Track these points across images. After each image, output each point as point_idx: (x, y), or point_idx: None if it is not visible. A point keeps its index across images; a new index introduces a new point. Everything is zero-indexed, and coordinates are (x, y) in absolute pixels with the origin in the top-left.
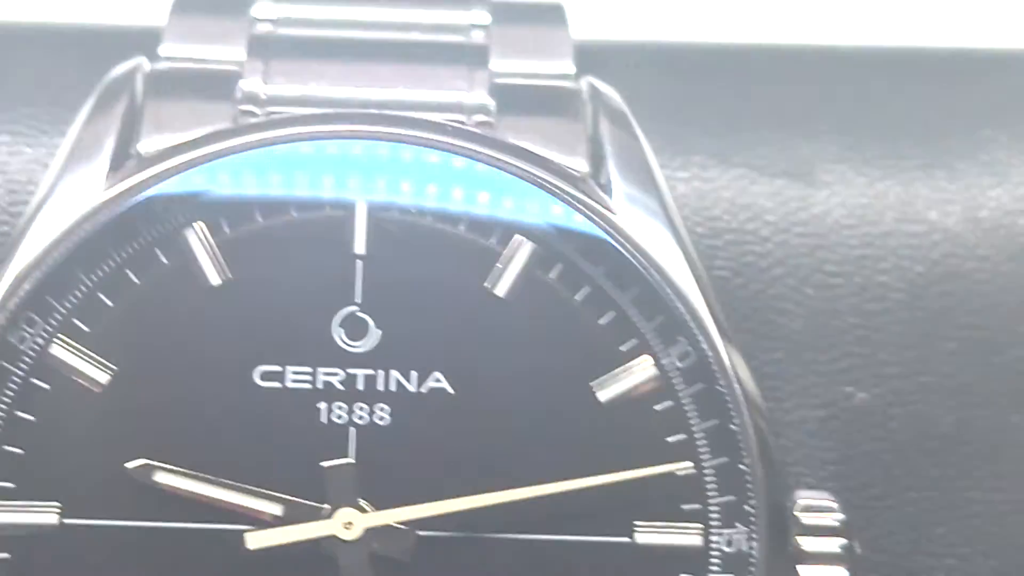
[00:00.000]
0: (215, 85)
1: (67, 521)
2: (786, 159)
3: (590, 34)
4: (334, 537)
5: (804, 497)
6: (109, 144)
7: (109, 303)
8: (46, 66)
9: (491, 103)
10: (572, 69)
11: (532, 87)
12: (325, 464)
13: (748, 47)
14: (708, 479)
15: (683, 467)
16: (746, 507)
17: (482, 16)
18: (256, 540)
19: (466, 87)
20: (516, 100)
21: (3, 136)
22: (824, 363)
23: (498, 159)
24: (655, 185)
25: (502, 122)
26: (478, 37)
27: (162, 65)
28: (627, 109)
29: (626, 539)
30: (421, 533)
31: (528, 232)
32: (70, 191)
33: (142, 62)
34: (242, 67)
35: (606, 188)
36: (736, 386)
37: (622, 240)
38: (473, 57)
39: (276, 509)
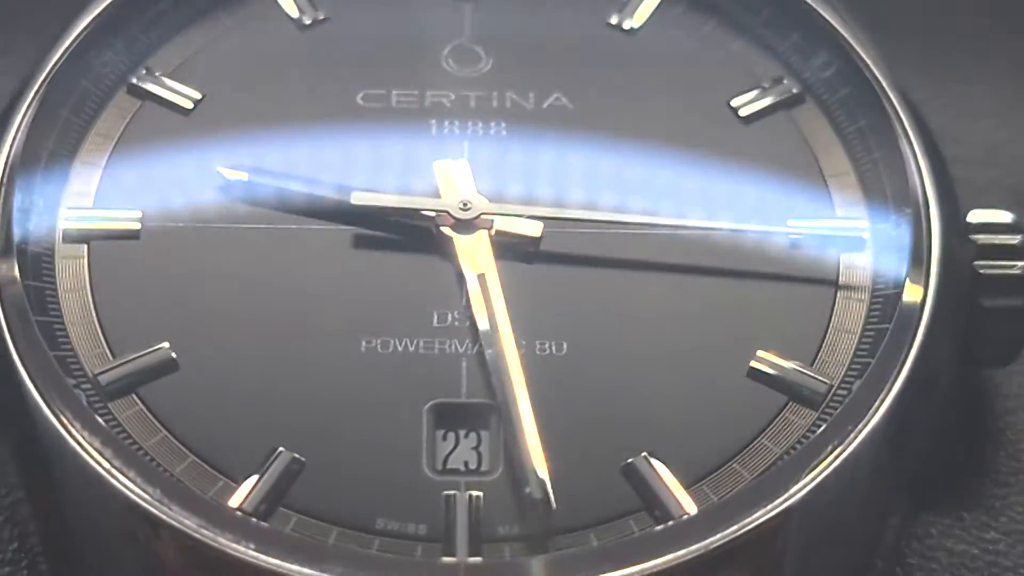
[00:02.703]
0: None
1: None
2: None
3: None
4: (448, 215)
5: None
6: None
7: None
8: None
9: None
10: None
11: None
12: (437, 163)
13: None
14: (867, 175)
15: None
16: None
17: None
18: (360, 198)
19: None
20: None
21: None
22: None
23: None
24: None
25: None
26: None
27: None
28: None
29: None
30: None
31: None
32: None
33: None
34: None
35: None
36: (885, 80)
37: None
38: None
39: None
